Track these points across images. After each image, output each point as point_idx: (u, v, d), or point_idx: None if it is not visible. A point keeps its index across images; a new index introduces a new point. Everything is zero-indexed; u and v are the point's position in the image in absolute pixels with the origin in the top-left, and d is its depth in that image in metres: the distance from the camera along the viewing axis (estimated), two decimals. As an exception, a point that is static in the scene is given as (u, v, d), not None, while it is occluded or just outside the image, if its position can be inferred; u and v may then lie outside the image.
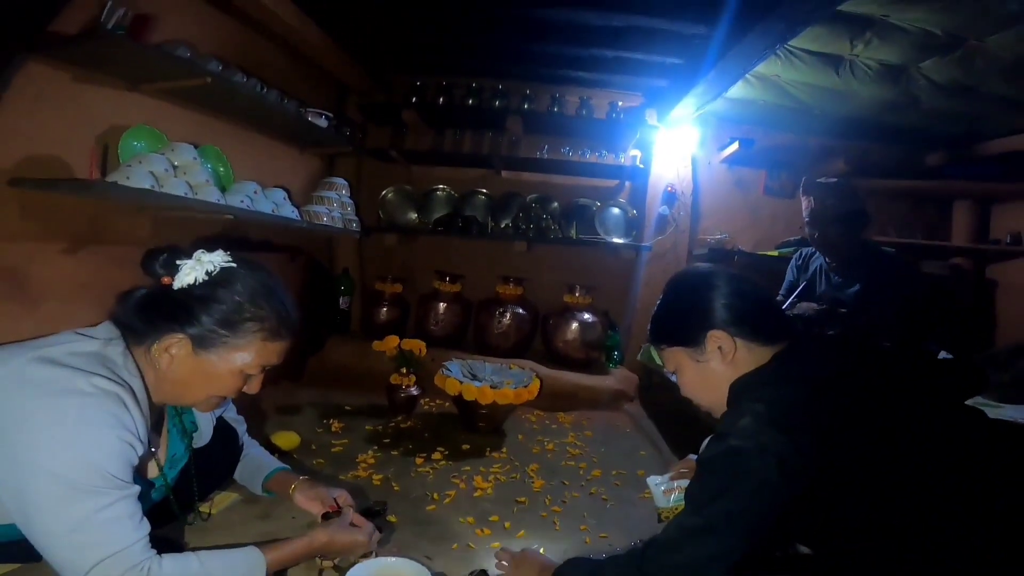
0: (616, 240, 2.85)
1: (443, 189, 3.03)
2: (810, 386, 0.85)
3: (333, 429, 1.96)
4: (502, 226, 2.90)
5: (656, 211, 2.88)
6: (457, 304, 2.80)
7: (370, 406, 2.27)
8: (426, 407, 2.35)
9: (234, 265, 0.90)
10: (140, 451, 0.80)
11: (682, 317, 0.99)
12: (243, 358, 0.90)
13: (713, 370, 0.94)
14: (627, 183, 3.01)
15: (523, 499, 1.54)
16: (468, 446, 1.92)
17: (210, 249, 0.91)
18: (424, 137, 2.98)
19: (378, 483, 1.56)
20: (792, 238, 2.78)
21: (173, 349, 0.85)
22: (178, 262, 0.88)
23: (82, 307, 1.50)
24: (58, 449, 0.71)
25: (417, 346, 2.25)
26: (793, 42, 1.84)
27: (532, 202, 2.93)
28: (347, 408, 2.22)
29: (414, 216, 3.02)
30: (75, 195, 1.41)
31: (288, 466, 1.31)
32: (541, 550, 1.21)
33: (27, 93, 1.32)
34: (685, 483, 1.24)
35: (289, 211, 2.06)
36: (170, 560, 0.79)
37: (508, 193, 2.99)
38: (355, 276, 2.96)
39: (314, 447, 1.77)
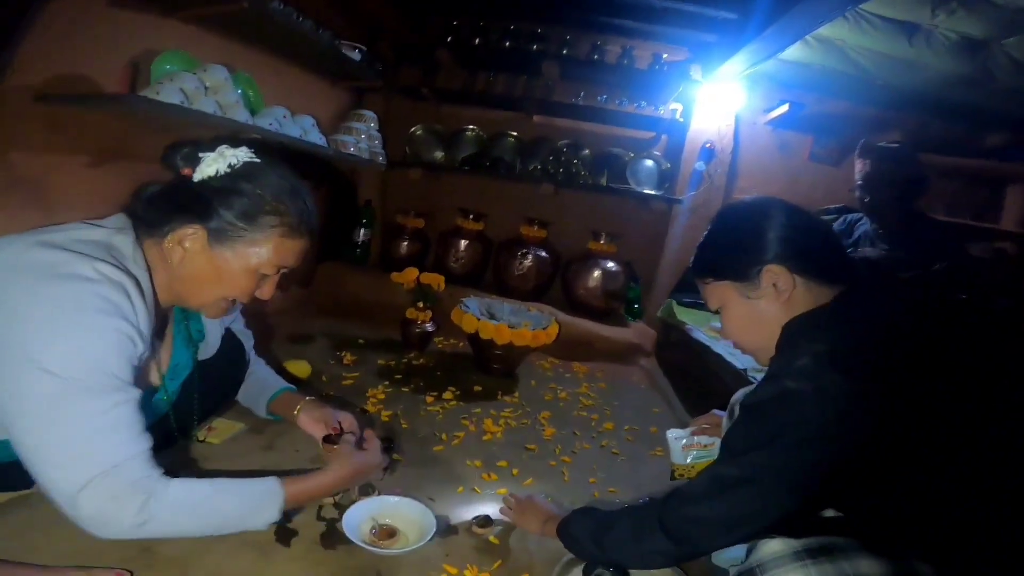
0: (648, 191, 2.72)
1: (472, 129, 2.89)
2: (879, 332, 0.75)
3: (345, 361, 1.93)
4: (530, 169, 2.77)
5: (692, 166, 2.72)
6: (479, 242, 2.71)
7: (384, 340, 2.24)
8: (440, 345, 2.31)
9: (258, 161, 0.83)
10: (141, 349, 0.74)
11: (733, 248, 0.88)
12: (259, 254, 0.84)
13: (765, 309, 0.83)
14: (663, 136, 2.85)
15: (533, 446, 1.50)
16: (480, 387, 1.88)
17: (234, 145, 0.83)
18: (456, 77, 2.82)
19: (387, 419, 1.53)
20: (833, 206, 2.60)
21: (187, 242, 0.79)
22: (200, 155, 0.80)
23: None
24: (50, 339, 0.64)
25: (436, 280, 2.18)
26: (867, 5, 1.64)
27: (563, 147, 2.78)
28: (360, 341, 2.19)
29: (440, 155, 2.90)
30: (102, 109, 1.38)
31: (294, 386, 1.26)
32: (548, 500, 1.17)
33: (62, 17, 1.26)
34: (706, 440, 1.18)
35: (316, 137, 2.01)
36: (178, 482, 0.73)
37: (538, 137, 2.85)
38: (377, 209, 2.88)
39: (324, 378, 1.75)
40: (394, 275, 2.15)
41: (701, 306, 2.56)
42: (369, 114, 2.48)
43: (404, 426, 1.51)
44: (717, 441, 1.14)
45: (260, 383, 1.22)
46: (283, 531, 0.93)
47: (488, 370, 2.02)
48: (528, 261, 2.60)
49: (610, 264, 2.61)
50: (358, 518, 0.99)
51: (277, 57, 2.11)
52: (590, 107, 2.70)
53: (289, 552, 0.91)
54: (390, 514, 1.04)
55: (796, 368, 0.71)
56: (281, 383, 1.24)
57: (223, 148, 0.80)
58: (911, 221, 1.83)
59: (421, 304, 2.15)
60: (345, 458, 0.98)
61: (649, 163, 2.77)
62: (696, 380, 2.16)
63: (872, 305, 0.80)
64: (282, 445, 1.24)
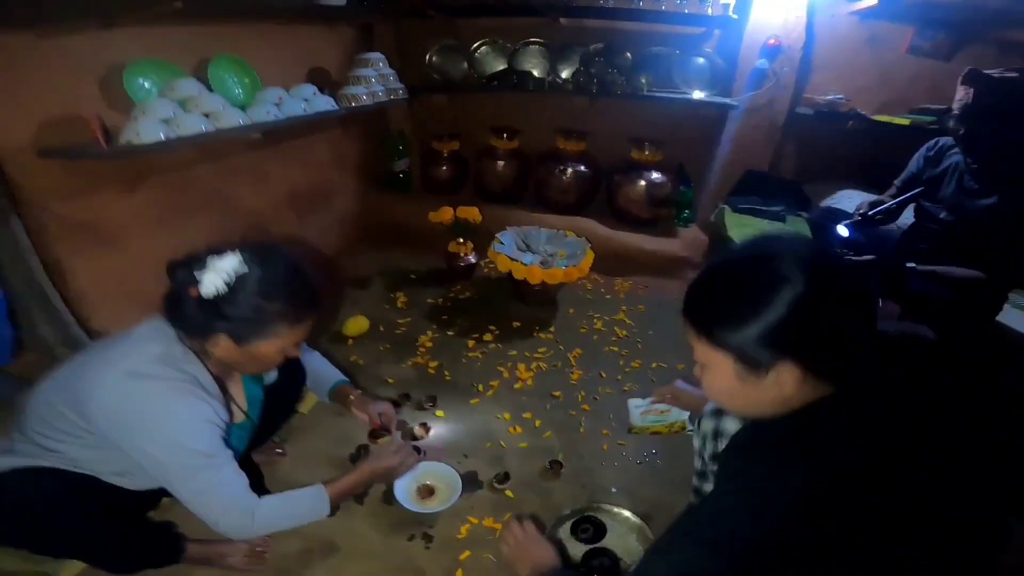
0: (697, 94, 2.41)
1: (492, 41, 2.61)
2: (859, 461, 0.66)
3: (399, 305, 2.16)
4: (561, 79, 2.52)
5: (753, 64, 2.34)
6: (515, 160, 2.63)
7: (432, 272, 2.42)
8: (486, 270, 2.45)
9: (246, 270, 0.94)
10: (222, 420, 1.00)
11: (742, 319, 0.67)
12: (276, 343, 1.01)
13: (758, 395, 0.70)
14: (716, 31, 2.41)
15: (558, 393, 1.69)
16: (519, 323, 2.05)
17: (224, 249, 0.95)
18: None
19: (433, 371, 1.77)
20: (934, 106, 2.15)
21: (220, 345, 0.97)
22: (196, 273, 0.93)
23: (161, 236, 1.68)
24: (166, 442, 0.93)
25: (472, 214, 2.24)
26: None
27: (596, 54, 2.44)
28: (412, 276, 2.39)
29: (465, 69, 2.68)
30: (96, 161, 1.40)
31: (347, 379, 1.50)
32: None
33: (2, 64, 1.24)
34: (662, 407, 1.28)
35: (322, 103, 1.97)
36: (264, 501, 1.05)
37: (567, 43, 2.53)
38: (411, 137, 2.83)
39: (381, 328, 1.99)
40: (431, 215, 2.23)
41: (758, 212, 2.43)
42: (374, 56, 2.33)
43: (447, 377, 1.75)
44: (673, 409, 1.25)
45: (319, 376, 1.44)
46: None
47: (526, 301, 2.16)
48: (567, 176, 2.52)
49: (655, 174, 2.46)
50: (405, 481, 1.29)
51: (258, 21, 1.97)
52: (623, 8, 2.31)
53: (362, 509, 1.27)
54: (430, 476, 1.32)
55: (774, 489, 0.66)
56: (336, 376, 1.44)
57: (212, 261, 0.91)
58: (1010, 164, 1.55)
59: (461, 240, 2.25)
60: (377, 458, 1.23)
61: (700, 61, 2.43)
62: None
63: (860, 422, 0.69)
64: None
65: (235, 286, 0.92)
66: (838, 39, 2.29)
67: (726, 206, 2.53)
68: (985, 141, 1.54)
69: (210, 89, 1.62)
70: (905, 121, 2.13)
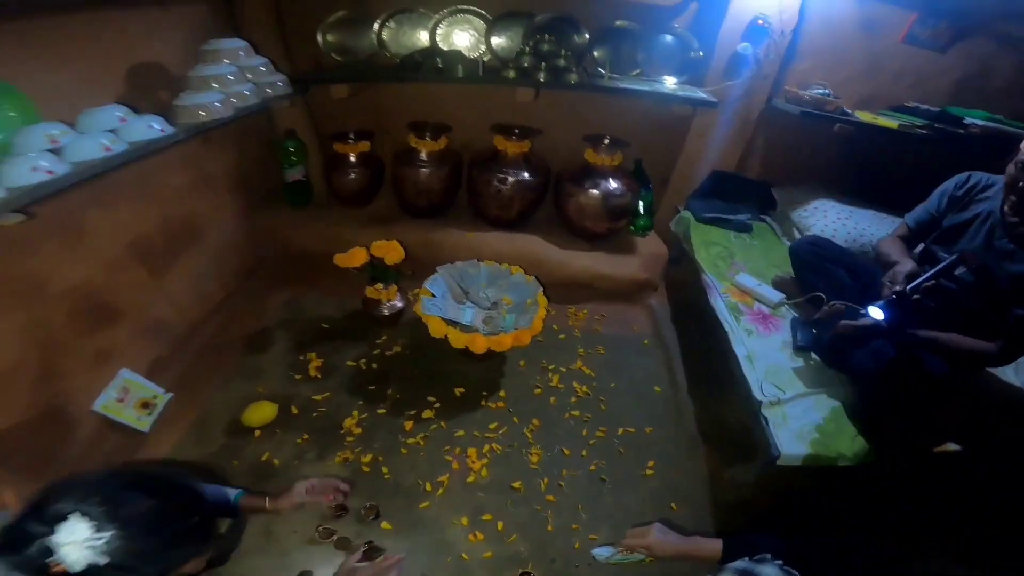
0: (669, 82, 2.45)
1: (407, 10, 2.46)
2: None
3: (312, 372, 2.09)
4: (500, 60, 2.43)
5: (734, 47, 2.37)
6: (444, 165, 2.55)
7: (350, 317, 2.36)
8: (416, 304, 2.42)
9: (103, 539, 0.90)
10: None
11: None
12: None
13: None
14: (692, 5, 2.39)
15: (518, 484, 1.77)
16: (462, 388, 2.08)
17: (59, 510, 0.89)
18: None
19: (367, 468, 1.77)
20: (921, 105, 2.32)
21: None
22: (48, 561, 0.88)
23: None
24: None
25: (391, 252, 2.18)
26: None
27: (543, 27, 2.37)
28: (324, 326, 2.32)
29: (373, 44, 2.51)
30: None
31: (240, 490, 1.44)
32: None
33: None
34: (630, 556, 1.41)
35: (141, 130, 1.61)
36: None
37: (509, 12, 2.42)
38: (307, 138, 2.64)
39: (294, 410, 1.94)
40: (337, 258, 2.14)
41: (723, 222, 2.59)
42: (229, 44, 2.04)
43: (386, 475, 1.76)
44: (640, 555, 1.37)
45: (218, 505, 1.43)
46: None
47: (471, 355, 2.19)
48: (507, 186, 2.50)
49: (611, 183, 2.49)
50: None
51: (44, 16, 1.52)
52: None
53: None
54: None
55: None
56: (227, 494, 1.42)
57: (50, 541, 0.85)
58: None
59: (380, 286, 2.21)
60: None
61: (668, 39, 2.44)
62: (703, 355, 2.30)
63: None
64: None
65: (90, 571, 0.89)
66: (829, 21, 2.37)
67: (689, 213, 2.67)
68: None
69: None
70: (892, 123, 2.24)
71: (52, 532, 0.87)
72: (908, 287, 1.60)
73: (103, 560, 0.88)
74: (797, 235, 2.52)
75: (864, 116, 2.33)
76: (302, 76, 2.35)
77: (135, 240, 1.92)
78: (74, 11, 1.61)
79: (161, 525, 0.95)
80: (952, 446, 1.59)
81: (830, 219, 2.43)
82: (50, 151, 1.39)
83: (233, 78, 1.95)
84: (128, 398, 1.81)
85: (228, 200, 2.45)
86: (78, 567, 0.87)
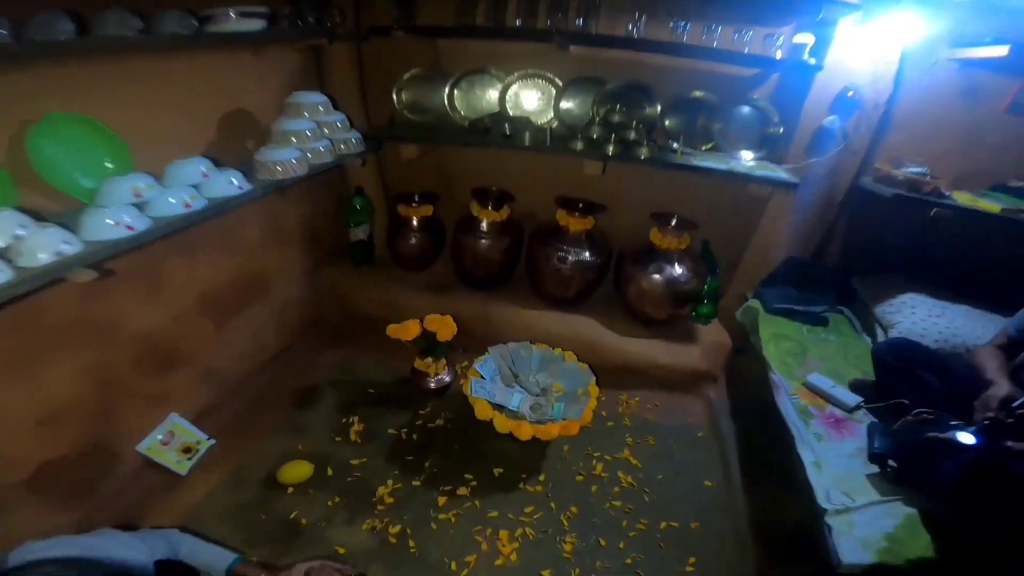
0: (745, 162, 2.47)
1: (480, 70, 2.69)
2: None
3: (352, 436, 2.20)
4: (567, 127, 2.58)
5: (819, 121, 2.36)
6: (505, 236, 2.70)
7: (397, 384, 2.47)
8: (461, 381, 2.51)
9: None
10: None
11: None
12: None
13: None
14: (774, 75, 2.44)
15: (547, 573, 1.75)
16: (501, 468, 2.11)
17: None
18: (444, 9, 2.51)
19: (394, 540, 1.81)
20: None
21: None
22: None
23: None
24: None
25: (444, 327, 2.29)
26: None
27: (614, 95, 2.52)
28: (371, 391, 2.44)
29: (444, 103, 2.73)
30: None
31: (239, 555, 1.48)
32: None
33: None
34: None
35: (222, 185, 1.77)
36: None
37: (581, 78, 2.59)
38: (375, 195, 2.88)
39: (330, 471, 2.03)
40: (391, 329, 2.27)
41: (795, 314, 2.54)
42: (310, 99, 2.24)
43: (412, 550, 1.79)
44: None
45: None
46: None
47: (514, 438, 2.22)
48: (567, 266, 2.59)
49: (676, 267, 2.53)
50: None
51: (126, 58, 1.66)
52: (658, 39, 2.35)
53: None
54: None
55: None
56: (223, 559, 1.46)
57: None
58: None
59: (430, 360, 2.32)
60: None
61: (746, 111, 2.48)
62: (762, 451, 2.23)
63: None
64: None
65: None
66: (926, 91, 2.31)
67: (758, 302, 2.65)
68: None
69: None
70: (994, 207, 2.13)
71: None
72: (1003, 413, 1.55)
73: None
74: (879, 331, 2.43)
75: (962, 198, 2.22)
76: (374, 133, 2.57)
77: (207, 291, 2.13)
78: (174, 51, 1.79)
79: None
80: None
81: (919, 316, 2.32)
82: (134, 204, 1.54)
83: (311, 134, 2.15)
84: (173, 441, 1.97)
85: (297, 255, 2.66)
86: None
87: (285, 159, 2.02)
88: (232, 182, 1.83)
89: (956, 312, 2.32)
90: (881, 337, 2.40)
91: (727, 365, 2.68)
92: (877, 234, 2.61)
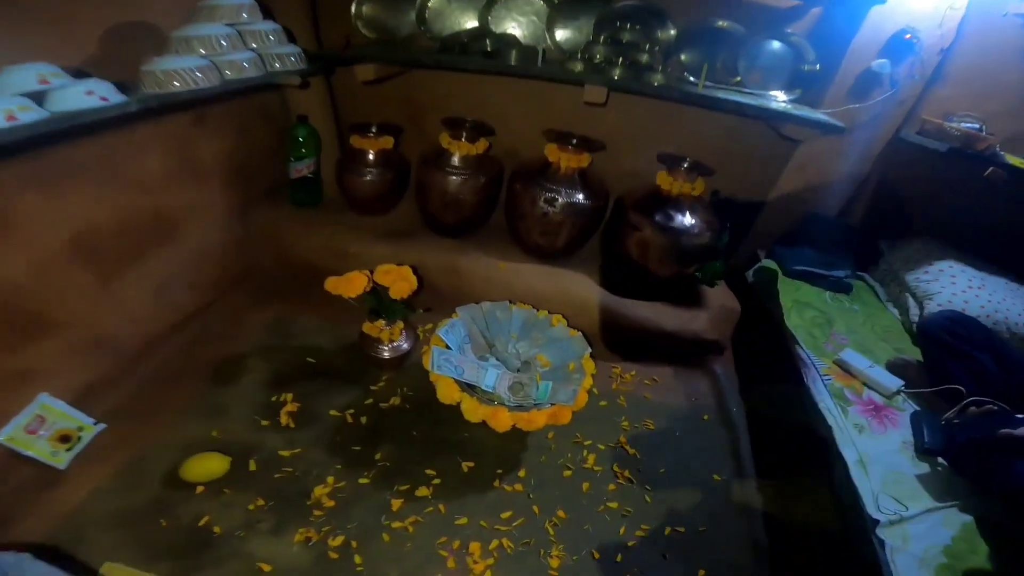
0: (779, 98, 2.15)
1: None
2: None
3: (283, 421, 1.80)
4: (566, 58, 2.15)
5: (866, 63, 2.09)
6: (481, 174, 2.28)
7: (342, 352, 2.09)
8: (425, 355, 2.13)
9: None
10: None
11: None
12: None
13: None
14: (814, 8, 2.12)
15: (530, 600, 1.44)
16: (471, 462, 1.76)
17: None
18: None
19: (335, 555, 1.46)
20: None
21: None
22: None
23: None
24: None
25: (399, 281, 1.89)
26: None
27: (623, 14, 2.13)
28: (309, 361, 2.04)
29: (413, 22, 2.30)
30: None
31: None
32: None
33: None
34: None
35: (70, 98, 1.35)
36: None
37: None
38: (325, 127, 2.46)
39: (252, 465, 1.65)
40: (329, 282, 1.86)
41: (816, 278, 2.24)
42: (229, 1, 1.81)
43: (359, 567, 1.44)
44: None
45: None
46: None
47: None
48: (555, 208, 2.19)
49: (688, 217, 2.15)
50: None
51: None
52: None
53: None
54: None
55: None
56: None
57: None
58: None
59: (381, 323, 1.92)
60: None
61: (776, 46, 2.15)
62: (779, 440, 1.96)
63: None
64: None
65: None
66: (986, 40, 2.12)
67: (774, 263, 2.33)
68: None
69: None
70: None
71: None
72: None
73: None
74: (911, 302, 2.15)
75: (1016, 161, 1.98)
76: (323, 53, 2.16)
77: (82, 235, 1.69)
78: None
79: None
80: None
81: (959, 287, 2.07)
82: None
83: (226, 43, 1.72)
84: (44, 428, 1.56)
85: (219, 193, 2.24)
86: None
87: (183, 67, 1.58)
88: (91, 92, 1.37)
89: (996, 284, 2.09)
90: (914, 309, 2.15)
91: (735, 332, 2.37)
92: (914, 192, 2.39)
